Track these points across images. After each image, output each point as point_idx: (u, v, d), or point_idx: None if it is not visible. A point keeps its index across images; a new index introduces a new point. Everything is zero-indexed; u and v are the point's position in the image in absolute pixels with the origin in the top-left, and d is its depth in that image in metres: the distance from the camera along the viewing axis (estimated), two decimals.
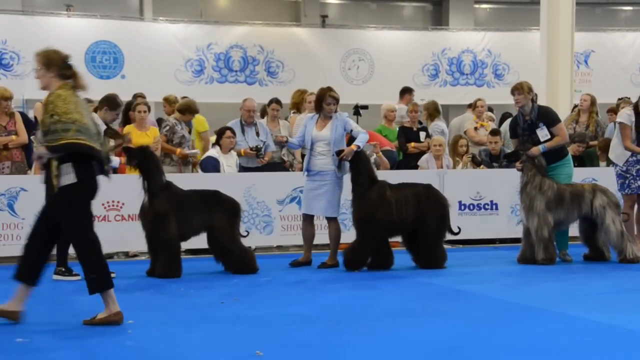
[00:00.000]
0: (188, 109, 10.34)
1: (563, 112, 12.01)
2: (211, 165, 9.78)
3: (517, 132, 8.94)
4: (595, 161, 11.05)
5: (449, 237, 9.48)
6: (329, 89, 8.62)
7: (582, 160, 11.05)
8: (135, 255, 9.56)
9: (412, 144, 11.44)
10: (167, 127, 10.12)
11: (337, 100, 8.55)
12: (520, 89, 8.77)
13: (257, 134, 10.60)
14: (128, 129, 9.89)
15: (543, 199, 8.51)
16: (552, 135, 8.70)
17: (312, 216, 8.71)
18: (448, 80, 17.65)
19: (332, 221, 8.64)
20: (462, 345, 5.17)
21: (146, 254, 8.48)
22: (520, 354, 4.95)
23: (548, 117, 8.81)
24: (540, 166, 8.59)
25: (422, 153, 11.21)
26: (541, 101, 13.35)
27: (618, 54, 17.77)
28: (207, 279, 7.88)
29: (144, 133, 9.93)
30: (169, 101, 11.50)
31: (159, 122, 11.00)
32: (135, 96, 11.08)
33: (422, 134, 11.56)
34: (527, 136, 8.78)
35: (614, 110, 11.95)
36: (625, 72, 17.49)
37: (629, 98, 12.15)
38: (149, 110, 10.69)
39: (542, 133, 8.73)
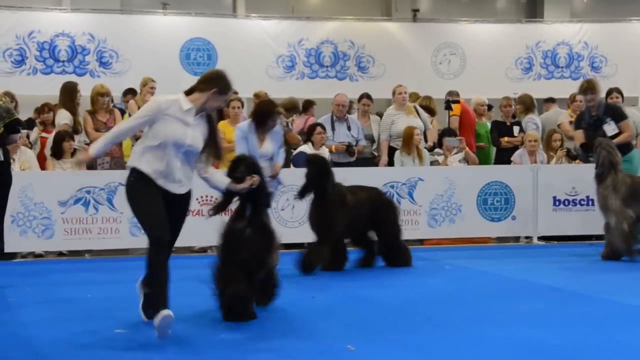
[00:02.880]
0: (293, 108, 10.50)
1: None
2: (303, 161, 9.86)
3: (581, 126, 8.88)
4: None
5: (541, 233, 9.36)
6: (273, 104, 7.74)
7: None
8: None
9: (506, 138, 11.28)
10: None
11: (279, 115, 8.02)
12: (592, 88, 8.69)
13: (349, 128, 10.65)
14: (222, 125, 10.07)
15: (618, 196, 8.36)
16: (619, 131, 8.62)
17: None
18: (542, 73, 17.27)
19: None
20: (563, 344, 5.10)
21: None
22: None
23: (615, 113, 8.72)
24: (614, 160, 8.44)
25: (516, 148, 11.04)
26: None
27: None
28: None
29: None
30: (258, 97, 11.63)
31: None
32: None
33: (516, 129, 11.39)
34: (592, 131, 8.70)
35: None
36: None
37: None
38: (242, 106, 10.85)
39: (610, 128, 8.64)
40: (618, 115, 8.71)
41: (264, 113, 7.51)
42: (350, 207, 8.10)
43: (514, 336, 5.31)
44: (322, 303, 6.53)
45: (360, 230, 8.38)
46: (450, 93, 12.15)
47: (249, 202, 5.80)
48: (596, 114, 8.74)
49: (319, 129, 10.16)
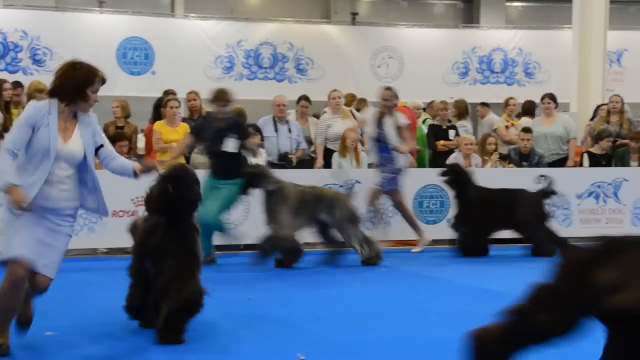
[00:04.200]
0: (240, 116, 10.44)
1: (596, 112, 11.92)
2: None
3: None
4: (626, 161, 10.94)
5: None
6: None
7: (609, 160, 10.96)
8: None
9: (442, 142, 11.41)
10: None
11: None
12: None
13: (290, 130, 10.66)
14: (159, 125, 9.96)
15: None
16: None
17: None
18: (478, 78, 17.56)
19: None
20: None
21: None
22: None
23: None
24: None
25: (452, 151, 11.17)
26: (572, 101, 13.29)
27: None
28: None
29: (174, 129, 9.99)
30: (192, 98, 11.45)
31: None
32: (167, 93, 11.15)
33: (452, 132, 11.53)
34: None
35: None
36: None
37: None
38: (180, 106, 10.75)
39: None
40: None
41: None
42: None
43: (447, 337, 5.37)
44: (259, 305, 6.51)
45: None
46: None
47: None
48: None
49: (254, 130, 10.15)
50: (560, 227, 10.22)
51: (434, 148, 11.48)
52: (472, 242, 9.36)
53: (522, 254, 9.57)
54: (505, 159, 10.90)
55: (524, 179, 9.75)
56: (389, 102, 9.47)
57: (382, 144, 9.46)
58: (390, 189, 9.48)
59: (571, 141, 11.14)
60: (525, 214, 9.23)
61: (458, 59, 17.50)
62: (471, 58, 17.54)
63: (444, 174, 9.48)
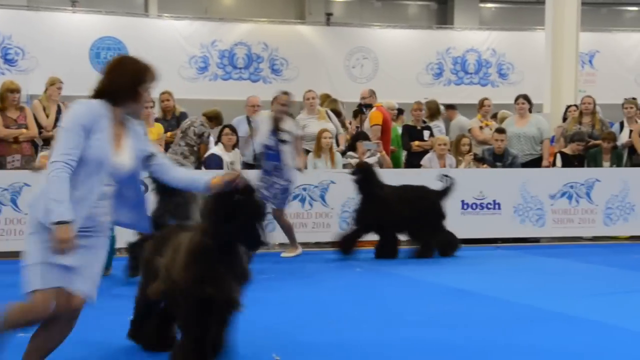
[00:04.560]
0: (216, 118, 10.40)
1: (568, 113, 12.01)
2: (214, 163, 9.79)
3: None
4: (598, 161, 11.04)
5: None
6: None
7: (582, 160, 11.06)
8: None
9: (416, 142, 11.44)
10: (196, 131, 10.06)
11: None
12: None
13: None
14: None
15: None
16: None
17: None
18: (452, 79, 17.64)
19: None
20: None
21: None
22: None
23: None
24: None
25: (426, 152, 11.21)
26: (545, 102, 13.38)
27: (623, 54, 17.74)
28: None
29: (148, 130, 9.93)
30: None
31: (182, 117, 10.85)
32: None
33: (426, 133, 11.56)
34: None
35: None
36: (630, 73, 17.47)
37: (635, 99, 12.13)
38: (154, 105, 10.70)
39: None
40: None
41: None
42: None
43: (423, 337, 5.39)
44: None
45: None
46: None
47: None
48: None
49: (226, 130, 10.13)
50: (534, 227, 10.30)
51: (408, 148, 11.51)
52: (382, 244, 9.21)
53: (496, 253, 9.62)
54: (479, 159, 10.96)
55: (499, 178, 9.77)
56: (284, 108, 9.00)
57: (272, 152, 8.89)
58: (277, 205, 8.91)
59: (544, 141, 11.22)
60: (423, 211, 9.13)
61: (432, 60, 17.57)
62: (445, 59, 17.62)
63: (353, 173, 9.31)
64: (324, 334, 5.51)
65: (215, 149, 10.12)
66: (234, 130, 10.26)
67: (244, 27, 16.69)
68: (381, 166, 10.80)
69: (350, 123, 12.35)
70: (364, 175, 9.21)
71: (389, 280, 7.88)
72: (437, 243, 9.24)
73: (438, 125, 11.95)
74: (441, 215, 9.24)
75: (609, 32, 18.15)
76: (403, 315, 6.16)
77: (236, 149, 10.22)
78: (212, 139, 10.57)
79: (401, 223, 9.15)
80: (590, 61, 17.45)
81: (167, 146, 10.28)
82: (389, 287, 7.52)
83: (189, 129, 10.12)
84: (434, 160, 10.85)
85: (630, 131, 11.26)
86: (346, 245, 9.16)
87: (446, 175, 9.43)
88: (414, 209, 9.07)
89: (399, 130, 11.79)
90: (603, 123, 11.58)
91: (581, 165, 10.99)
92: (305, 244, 9.66)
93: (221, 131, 10.21)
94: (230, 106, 12.75)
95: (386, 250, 9.18)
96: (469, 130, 11.84)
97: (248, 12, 17.68)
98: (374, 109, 11.23)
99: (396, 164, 11.43)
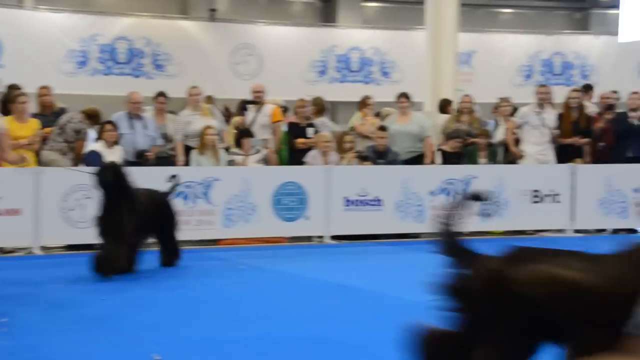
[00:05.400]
0: (96, 116, 10.14)
1: (447, 111, 12.33)
2: (94, 160, 9.55)
3: None
4: (474, 158, 11.39)
5: (333, 232, 9.64)
6: None
7: (460, 157, 11.37)
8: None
9: (300, 140, 11.49)
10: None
11: None
12: None
13: (145, 127, 10.47)
14: (7, 121, 9.54)
15: None
16: None
17: None
18: (336, 77, 17.80)
19: None
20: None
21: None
22: None
23: None
24: None
25: (310, 149, 11.27)
26: (425, 100, 13.69)
27: (498, 55, 18.35)
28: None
29: (23, 125, 9.61)
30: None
31: (61, 113, 10.51)
32: (11, 87, 10.69)
33: (310, 130, 11.63)
34: None
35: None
36: (505, 73, 18.09)
37: (509, 98, 12.56)
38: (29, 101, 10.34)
39: None
40: None
41: None
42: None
43: (305, 334, 5.42)
44: (114, 306, 6.35)
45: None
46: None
47: None
48: None
49: (107, 126, 9.92)
50: (414, 223, 10.51)
51: (292, 145, 11.55)
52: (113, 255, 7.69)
53: (378, 249, 9.78)
54: (362, 157, 11.11)
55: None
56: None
57: None
58: None
59: (426, 139, 11.49)
60: (156, 216, 8.19)
61: (316, 57, 17.68)
62: (329, 57, 17.76)
63: (97, 173, 7.85)
64: (207, 332, 5.48)
65: (95, 145, 9.88)
66: (115, 126, 10.06)
67: (125, 22, 16.34)
68: (266, 163, 10.83)
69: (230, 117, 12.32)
70: (111, 176, 7.79)
71: (272, 277, 7.89)
72: (163, 250, 8.33)
73: (323, 121, 12.04)
74: (171, 218, 8.36)
75: (486, 32, 18.74)
76: (285, 311, 6.18)
77: (118, 146, 10.02)
78: (92, 136, 10.33)
79: (143, 229, 8.02)
80: (468, 61, 17.95)
81: (45, 142, 9.96)
82: (272, 284, 7.53)
83: (67, 125, 9.85)
84: (318, 157, 10.93)
85: (507, 129, 11.67)
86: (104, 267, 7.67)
87: (174, 176, 8.83)
88: (149, 214, 8.02)
89: (284, 127, 11.81)
90: (480, 121, 11.96)
91: (459, 162, 11.30)
92: (188, 242, 9.57)
93: (102, 127, 9.99)
94: (112, 102, 12.46)
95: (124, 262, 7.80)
96: (352, 128, 11.98)
97: (130, 5, 17.33)
98: (273, 106, 11.29)
99: (280, 161, 11.45)
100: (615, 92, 12.67)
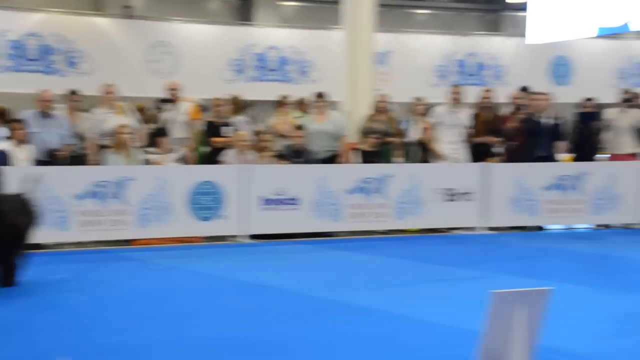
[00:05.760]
0: (2, 115, 9.88)
1: (364, 110, 12.42)
2: (0, 159, 9.29)
3: None
4: (390, 157, 11.52)
5: (250, 232, 9.62)
6: None
7: (373, 155, 11.48)
8: None
9: (217, 138, 11.42)
10: None
11: None
12: None
13: (57, 126, 10.27)
14: None
15: None
16: None
17: None
18: (254, 75, 17.73)
19: None
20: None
21: None
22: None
23: None
24: None
25: (227, 147, 11.21)
26: (344, 99, 13.76)
27: (414, 55, 18.58)
28: None
29: None
30: None
31: None
32: None
33: (227, 129, 11.57)
34: None
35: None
36: (421, 73, 18.32)
37: (423, 98, 12.73)
38: None
39: None
40: None
41: None
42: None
43: (221, 334, 5.39)
44: (19, 310, 6.19)
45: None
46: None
47: None
48: None
49: (17, 124, 9.68)
50: (331, 222, 10.57)
51: (209, 144, 11.47)
52: None
53: (295, 248, 9.80)
54: (279, 155, 11.12)
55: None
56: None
57: None
58: None
59: (342, 138, 11.56)
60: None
61: (234, 56, 17.57)
62: (247, 55, 17.68)
63: None
64: (121, 334, 5.39)
65: (3, 144, 9.61)
66: (24, 124, 9.81)
67: (36, 17, 15.92)
68: (185, 162, 10.74)
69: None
70: None
71: (188, 277, 7.83)
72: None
73: (241, 120, 11.99)
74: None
75: (402, 33, 18.95)
76: (201, 312, 6.13)
77: (28, 145, 9.77)
78: (1, 134, 10.05)
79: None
80: (385, 61, 18.11)
81: None
82: (187, 284, 7.47)
83: None
84: (236, 156, 10.89)
85: (424, 129, 11.84)
86: None
87: (31, 176, 7.87)
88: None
89: (201, 126, 11.72)
90: (396, 120, 12.11)
91: (376, 161, 11.41)
92: (102, 242, 9.41)
93: (11, 125, 9.73)
94: (22, 99, 12.13)
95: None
96: (270, 127, 11.98)
97: (41, 1, 16.91)
98: (189, 104, 11.19)
99: (197, 161, 11.36)
100: (525, 89, 12.92)
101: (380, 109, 11.96)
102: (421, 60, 18.49)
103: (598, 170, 11.74)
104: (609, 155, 12.37)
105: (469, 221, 11.23)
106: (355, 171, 10.97)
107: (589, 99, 13.20)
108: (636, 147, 12.12)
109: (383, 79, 16.64)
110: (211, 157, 11.30)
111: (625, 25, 14.59)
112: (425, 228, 11.11)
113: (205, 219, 10.15)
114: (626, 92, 12.80)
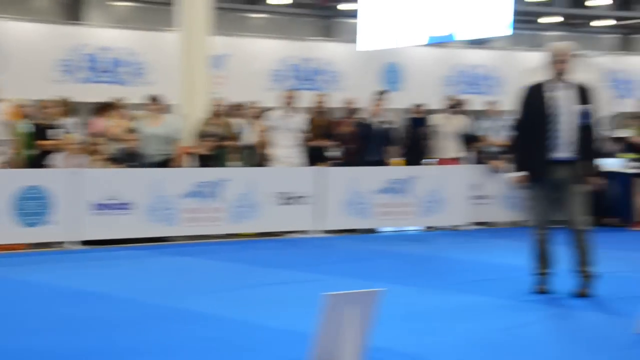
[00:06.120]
0: None
1: (200, 114, 12.31)
2: None
3: None
4: (226, 161, 11.48)
5: (81, 237, 9.29)
6: None
7: (209, 159, 11.42)
8: None
9: (43, 141, 11.00)
10: None
11: None
12: None
13: None
14: None
15: None
16: None
17: None
18: (85, 77, 17.20)
19: None
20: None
21: None
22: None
23: None
24: None
25: (56, 151, 10.82)
26: (179, 102, 13.60)
27: (250, 59, 18.64)
28: None
29: None
30: None
31: None
32: None
33: (55, 131, 11.15)
34: None
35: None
36: (257, 77, 18.40)
37: (257, 102, 12.80)
38: None
39: None
40: None
41: None
42: None
43: (45, 344, 5.17)
44: None
45: None
46: None
47: None
48: None
49: None
50: (165, 226, 10.40)
51: (37, 147, 11.02)
52: None
53: (127, 254, 9.58)
54: (112, 159, 10.84)
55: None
56: None
57: None
58: None
59: (177, 141, 11.42)
60: None
61: (63, 56, 16.98)
62: (76, 56, 17.12)
63: None
64: None
65: None
66: None
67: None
68: (12, 166, 10.28)
69: None
70: None
71: (10, 286, 7.45)
72: None
73: (69, 122, 11.59)
74: None
75: (239, 37, 18.96)
76: (22, 322, 5.85)
77: None
78: None
79: None
80: (221, 64, 18.05)
81: None
82: (8, 293, 7.11)
83: None
84: (66, 160, 10.51)
85: (259, 132, 11.89)
86: None
87: None
88: None
89: (26, 128, 11.24)
90: (232, 124, 12.07)
91: (211, 165, 11.34)
92: None
93: None
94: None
95: None
96: (103, 130, 11.64)
97: None
98: (7, 104, 10.68)
99: (23, 164, 10.88)
100: (382, 92, 13.15)
101: (217, 112, 11.90)
102: (258, 64, 18.59)
103: (427, 174, 12.18)
104: (437, 160, 12.87)
105: (304, 224, 11.35)
106: (191, 175, 10.84)
107: (418, 105, 13.71)
108: (460, 151, 12.68)
109: (219, 82, 16.58)
110: (38, 161, 10.86)
111: (451, 35, 15.28)
112: (261, 232, 11.14)
113: (31, 224, 9.71)
114: (451, 99, 13.37)
